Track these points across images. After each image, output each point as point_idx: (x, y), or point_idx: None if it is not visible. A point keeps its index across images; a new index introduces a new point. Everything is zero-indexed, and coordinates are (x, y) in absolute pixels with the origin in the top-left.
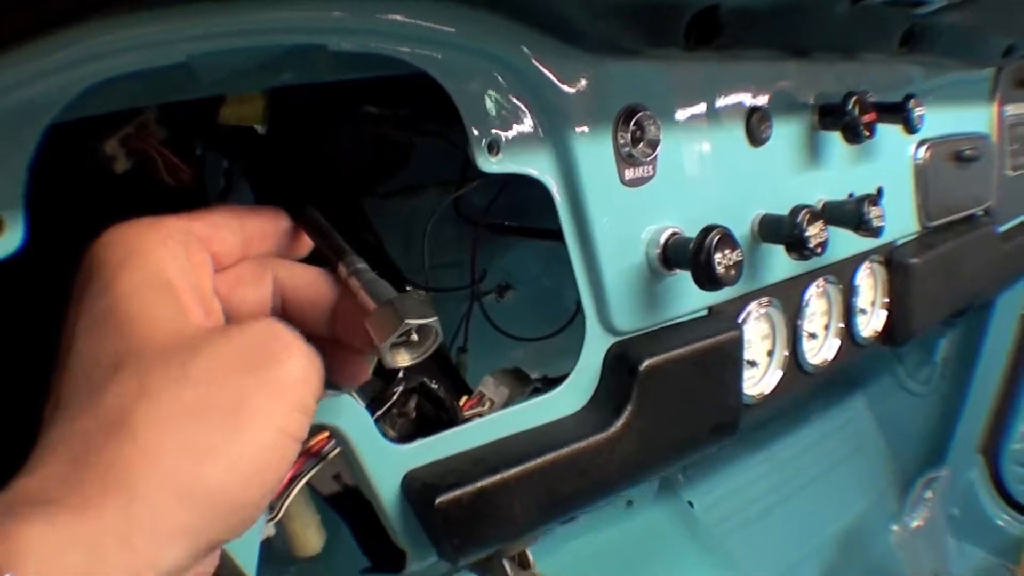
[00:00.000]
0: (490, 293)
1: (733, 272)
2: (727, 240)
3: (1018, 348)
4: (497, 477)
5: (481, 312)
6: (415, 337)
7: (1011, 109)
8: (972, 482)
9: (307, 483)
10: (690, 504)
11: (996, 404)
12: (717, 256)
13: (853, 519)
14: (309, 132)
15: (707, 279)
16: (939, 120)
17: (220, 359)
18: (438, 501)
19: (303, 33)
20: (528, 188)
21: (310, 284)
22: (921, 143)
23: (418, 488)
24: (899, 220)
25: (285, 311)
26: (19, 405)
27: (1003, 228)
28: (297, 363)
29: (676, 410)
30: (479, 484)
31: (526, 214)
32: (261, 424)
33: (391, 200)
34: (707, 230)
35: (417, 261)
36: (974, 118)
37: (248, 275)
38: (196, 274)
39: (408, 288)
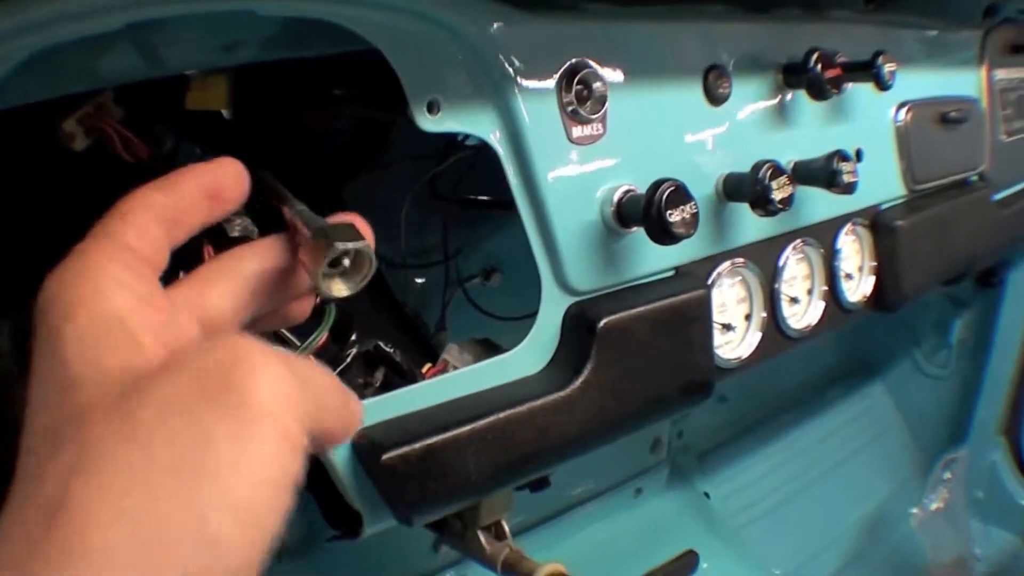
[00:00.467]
0: (476, 277)
1: (688, 223)
2: (679, 192)
3: None
4: (448, 434)
5: (463, 293)
6: (347, 263)
7: (1001, 74)
8: (995, 464)
9: None
10: (706, 495)
11: (1016, 384)
12: (669, 209)
13: (875, 506)
14: (279, 118)
15: (661, 232)
16: (921, 83)
17: (172, 400)
18: (384, 458)
19: None
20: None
21: (275, 254)
22: (902, 105)
23: (366, 446)
24: (883, 183)
25: (262, 294)
26: None
27: (1000, 195)
28: (268, 386)
29: (641, 370)
30: (428, 441)
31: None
32: (232, 477)
33: (363, 178)
34: (657, 184)
35: (397, 242)
36: (961, 82)
37: (214, 273)
38: (149, 293)
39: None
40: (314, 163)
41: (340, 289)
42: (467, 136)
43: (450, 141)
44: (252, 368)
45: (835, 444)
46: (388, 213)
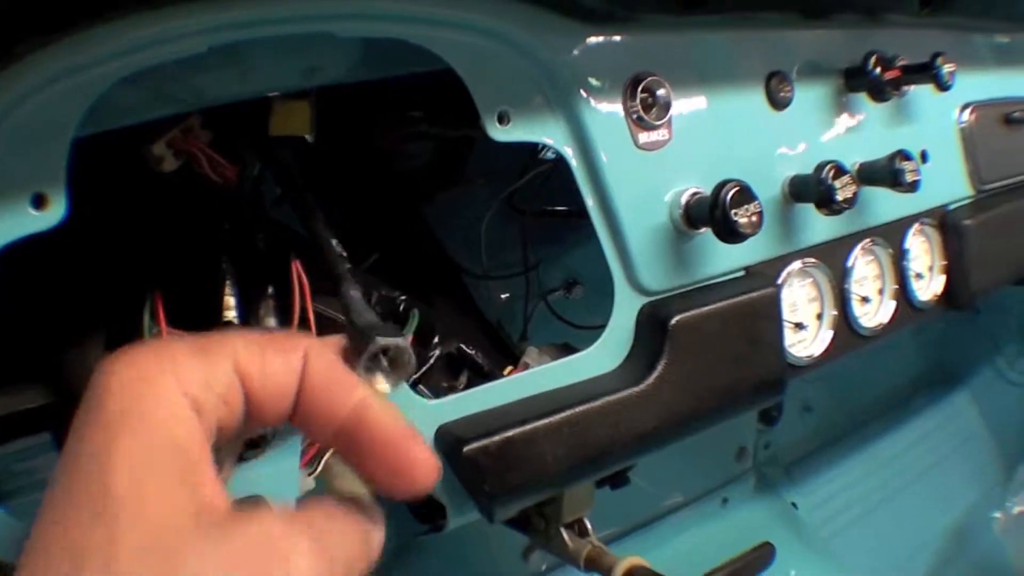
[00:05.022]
0: (558, 290)
1: (754, 223)
2: (744, 192)
3: None
4: (526, 427)
5: (545, 305)
6: (385, 363)
7: None
8: None
9: None
10: (793, 505)
11: None
12: (734, 208)
13: (960, 513)
14: (358, 141)
15: (727, 232)
16: (984, 84)
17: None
18: (465, 450)
19: (311, 22)
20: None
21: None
22: (965, 106)
23: (449, 440)
24: (949, 184)
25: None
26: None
27: None
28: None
29: (712, 366)
30: (507, 434)
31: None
32: None
33: (445, 199)
34: (721, 185)
35: (479, 256)
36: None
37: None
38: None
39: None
40: (392, 185)
41: (383, 385)
42: (544, 151)
43: (529, 157)
44: (284, 556)
45: (920, 453)
46: (470, 228)
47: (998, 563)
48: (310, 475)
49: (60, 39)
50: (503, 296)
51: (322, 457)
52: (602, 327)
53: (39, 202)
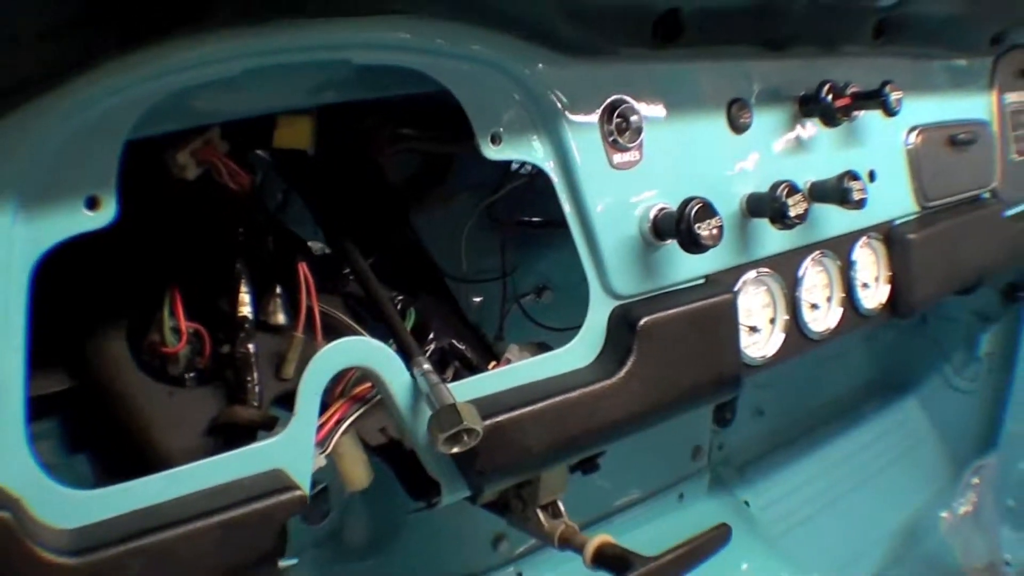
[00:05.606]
0: (529, 294)
1: (715, 236)
2: (706, 209)
3: None
4: (513, 414)
5: (518, 306)
6: (466, 438)
7: (1012, 97)
8: None
9: (358, 435)
10: (746, 503)
11: None
12: (697, 223)
13: (908, 514)
14: (355, 154)
15: (691, 243)
16: (932, 108)
17: None
18: None
19: (335, 49)
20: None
21: None
22: (912, 129)
23: None
24: (895, 201)
25: None
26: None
27: (1013, 211)
28: None
29: (677, 363)
30: (496, 419)
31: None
32: None
33: (428, 208)
34: (687, 201)
35: (459, 262)
36: (971, 106)
37: None
38: None
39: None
40: (382, 192)
41: (451, 449)
42: (521, 166)
43: (505, 171)
44: None
45: (870, 456)
46: (452, 237)
47: (945, 561)
48: (322, 454)
49: (129, 53)
50: (475, 300)
51: (334, 436)
52: (570, 329)
53: (92, 203)
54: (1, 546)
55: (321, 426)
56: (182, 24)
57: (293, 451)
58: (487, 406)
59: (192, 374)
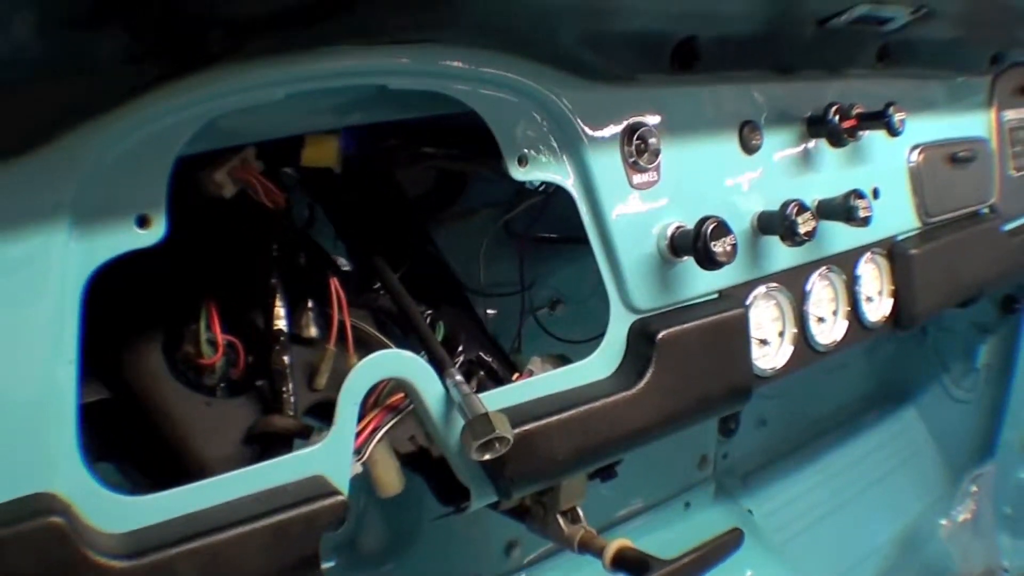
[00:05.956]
0: (543, 308)
1: (729, 253)
2: (721, 227)
3: None
4: (540, 423)
5: (534, 319)
6: (497, 446)
7: (1010, 114)
8: (1022, 481)
9: (390, 444)
10: (749, 511)
11: None
12: (713, 240)
13: (907, 522)
14: (378, 172)
15: (706, 260)
16: (933, 127)
17: None
18: None
19: (371, 75)
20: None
21: None
22: (914, 147)
23: None
24: (898, 217)
25: None
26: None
27: (1011, 225)
28: None
29: (693, 375)
30: (524, 428)
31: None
32: None
33: (449, 224)
34: (703, 220)
35: (477, 276)
36: (971, 124)
37: None
38: None
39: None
40: (404, 209)
41: (483, 456)
42: (538, 184)
43: (520, 188)
44: None
45: (870, 465)
46: (469, 251)
47: (944, 567)
48: (358, 461)
49: (182, 78)
50: (490, 312)
51: (370, 444)
52: (584, 341)
53: (143, 222)
54: (56, 550)
55: (357, 435)
56: (232, 52)
57: (333, 458)
58: (515, 416)
59: (223, 384)
